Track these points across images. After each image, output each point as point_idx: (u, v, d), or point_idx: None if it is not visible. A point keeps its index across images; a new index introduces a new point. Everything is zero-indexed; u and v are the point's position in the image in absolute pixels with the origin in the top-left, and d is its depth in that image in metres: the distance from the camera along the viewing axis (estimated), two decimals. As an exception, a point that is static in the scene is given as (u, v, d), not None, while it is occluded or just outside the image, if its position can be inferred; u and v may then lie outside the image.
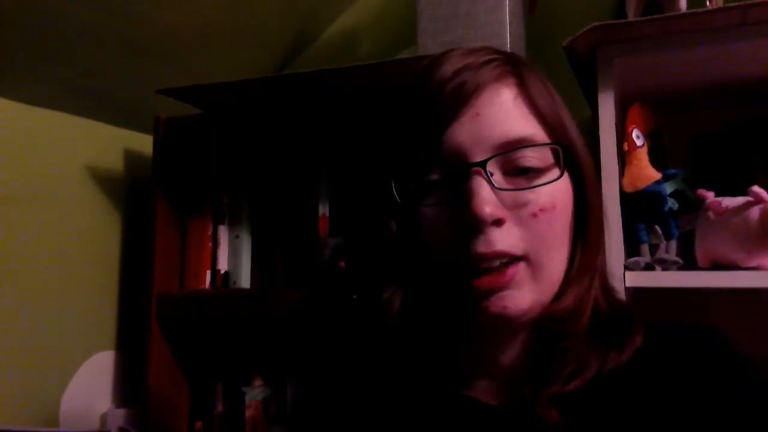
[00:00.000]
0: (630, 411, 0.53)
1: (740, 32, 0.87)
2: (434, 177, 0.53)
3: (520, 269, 0.51)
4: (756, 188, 0.82)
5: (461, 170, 0.52)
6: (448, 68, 0.54)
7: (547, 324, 0.53)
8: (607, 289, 0.58)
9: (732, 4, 0.84)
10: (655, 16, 0.88)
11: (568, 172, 0.55)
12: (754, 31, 0.86)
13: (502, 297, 0.51)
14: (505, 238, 0.50)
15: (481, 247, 0.50)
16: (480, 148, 0.52)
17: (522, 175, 0.53)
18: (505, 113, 0.53)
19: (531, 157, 0.53)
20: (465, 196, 0.50)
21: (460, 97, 0.53)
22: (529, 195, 0.52)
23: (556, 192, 0.53)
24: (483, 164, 0.51)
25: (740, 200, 0.85)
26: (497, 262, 0.51)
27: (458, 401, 0.57)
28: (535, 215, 0.52)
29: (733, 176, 0.99)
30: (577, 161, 0.56)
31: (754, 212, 0.82)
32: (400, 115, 0.56)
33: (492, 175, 0.51)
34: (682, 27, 0.88)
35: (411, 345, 0.57)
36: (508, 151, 0.52)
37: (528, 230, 0.51)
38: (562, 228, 0.54)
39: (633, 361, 0.54)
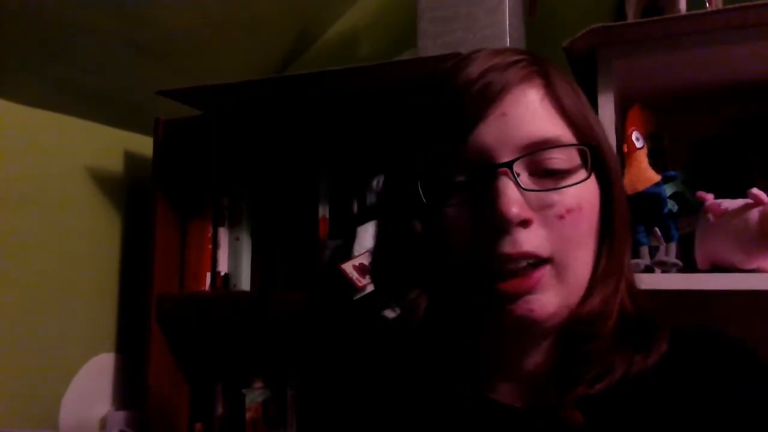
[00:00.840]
0: (655, 415, 0.53)
1: (740, 34, 0.86)
2: (460, 177, 0.53)
3: (546, 272, 0.51)
4: (755, 190, 0.82)
5: (488, 170, 0.51)
6: (475, 69, 0.53)
7: (573, 327, 0.53)
8: (633, 292, 0.58)
9: (731, 6, 0.84)
10: (654, 18, 0.88)
11: (594, 173, 0.54)
12: (753, 32, 0.86)
13: (528, 300, 0.50)
14: (531, 239, 0.50)
15: (507, 247, 0.49)
16: (506, 149, 0.51)
17: (548, 176, 0.52)
18: (531, 114, 0.52)
19: (558, 158, 0.52)
20: (491, 197, 0.50)
21: (486, 98, 0.52)
22: (556, 196, 0.51)
23: (582, 193, 0.53)
24: (510, 165, 0.51)
25: (740, 202, 0.85)
26: (523, 263, 0.50)
27: (481, 403, 0.56)
28: (561, 217, 0.51)
29: (732, 178, 0.99)
30: (604, 162, 0.55)
31: (754, 214, 0.82)
32: (425, 116, 0.56)
33: (518, 175, 0.51)
34: (682, 29, 0.88)
35: (434, 346, 0.57)
36: (534, 151, 0.51)
37: (554, 231, 0.51)
38: (588, 229, 0.53)
39: (659, 365, 0.53)
